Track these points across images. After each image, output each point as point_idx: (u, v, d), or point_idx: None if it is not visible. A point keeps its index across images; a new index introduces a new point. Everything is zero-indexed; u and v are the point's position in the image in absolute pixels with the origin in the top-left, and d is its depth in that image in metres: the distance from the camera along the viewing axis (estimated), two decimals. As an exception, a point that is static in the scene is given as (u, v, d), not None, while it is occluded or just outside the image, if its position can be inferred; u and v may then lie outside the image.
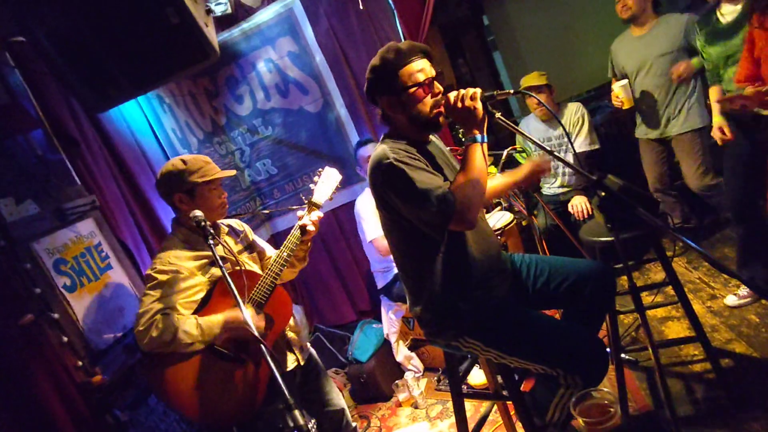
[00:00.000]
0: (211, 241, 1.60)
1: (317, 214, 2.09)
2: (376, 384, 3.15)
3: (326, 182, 2.17)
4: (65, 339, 1.88)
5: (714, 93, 2.54)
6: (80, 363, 1.89)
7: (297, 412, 1.12)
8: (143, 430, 2.10)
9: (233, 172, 2.12)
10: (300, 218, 2.07)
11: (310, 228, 2.05)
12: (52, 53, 1.88)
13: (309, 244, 2.16)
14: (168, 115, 3.31)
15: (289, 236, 2.04)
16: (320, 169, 2.20)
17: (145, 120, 3.07)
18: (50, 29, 1.83)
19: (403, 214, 1.60)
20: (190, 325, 1.82)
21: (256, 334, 1.31)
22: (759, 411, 1.94)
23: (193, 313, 1.88)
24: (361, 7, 3.08)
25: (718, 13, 2.39)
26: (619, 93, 2.98)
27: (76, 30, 1.82)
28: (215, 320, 1.86)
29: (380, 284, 3.18)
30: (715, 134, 2.51)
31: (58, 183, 2.18)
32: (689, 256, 3.23)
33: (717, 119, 2.50)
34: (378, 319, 3.37)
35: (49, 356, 1.78)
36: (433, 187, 1.50)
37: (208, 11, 2.04)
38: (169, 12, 1.75)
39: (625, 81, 3.01)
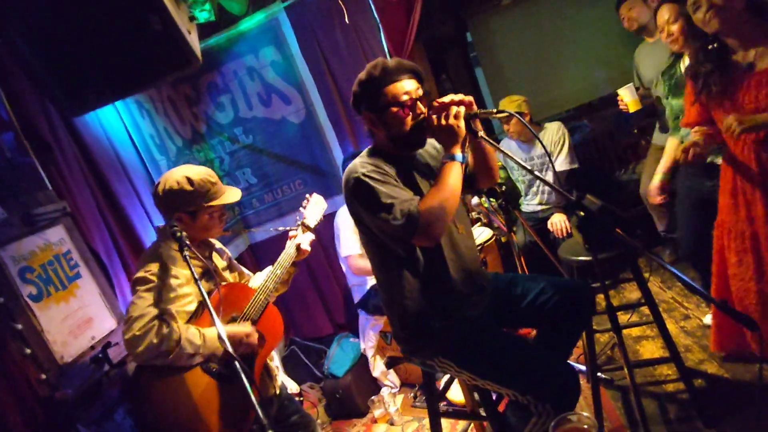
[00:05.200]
0: (186, 254, 1.56)
1: (310, 237, 2.13)
2: (351, 399, 3.10)
3: (314, 207, 2.27)
4: (28, 351, 1.80)
5: (673, 144, 2.44)
6: (44, 376, 1.81)
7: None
8: (108, 447, 2.02)
9: (238, 195, 1.99)
10: (292, 238, 2.10)
11: (305, 247, 2.09)
12: (27, 54, 1.83)
13: (295, 268, 2.15)
14: (146, 120, 3.25)
15: (282, 254, 2.06)
16: (308, 195, 2.29)
17: (122, 125, 3.00)
18: (27, 30, 1.78)
19: (372, 229, 1.60)
20: (193, 335, 1.71)
21: (231, 350, 1.27)
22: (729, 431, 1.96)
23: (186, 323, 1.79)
24: (346, 20, 3.08)
25: (680, 65, 2.38)
26: (624, 96, 2.84)
27: (54, 32, 1.77)
28: (216, 332, 1.74)
29: (356, 298, 3.15)
30: (654, 194, 2.54)
31: (28, 187, 2.11)
32: (664, 275, 3.28)
33: (658, 177, 2.50)
34: (355, 332, 3.33)
35: (10, 369, 1.70)
36: (398, 200, 1.51)
37: (192, 18, 2.01)
38: (152, 18, 1.72)
39: (630, 84, 2.87)
